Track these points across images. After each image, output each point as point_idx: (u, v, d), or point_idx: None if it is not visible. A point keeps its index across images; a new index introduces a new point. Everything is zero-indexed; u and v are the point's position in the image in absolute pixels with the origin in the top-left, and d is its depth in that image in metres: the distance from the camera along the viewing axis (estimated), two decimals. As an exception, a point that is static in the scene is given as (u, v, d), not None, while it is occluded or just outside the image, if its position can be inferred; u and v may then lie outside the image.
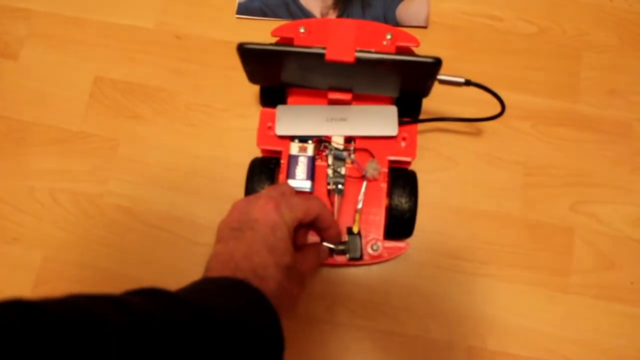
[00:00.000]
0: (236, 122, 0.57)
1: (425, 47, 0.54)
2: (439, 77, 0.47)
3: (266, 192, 0.43)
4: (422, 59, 0.44)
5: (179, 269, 0.54)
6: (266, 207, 0.40)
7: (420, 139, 0.55)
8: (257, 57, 0.45)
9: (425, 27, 0.58)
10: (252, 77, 0.49)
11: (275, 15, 0.59)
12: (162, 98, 0.58)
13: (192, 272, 0.53)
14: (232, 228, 0.40)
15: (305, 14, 0.59)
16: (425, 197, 0.52)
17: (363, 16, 0.58)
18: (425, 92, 0.48)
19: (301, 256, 0.44)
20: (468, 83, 0.47)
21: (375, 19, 0.58)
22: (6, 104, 0.59)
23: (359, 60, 0.44)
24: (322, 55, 0.44)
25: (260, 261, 0.38)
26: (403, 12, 0.58)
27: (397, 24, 0.58)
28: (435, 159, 0.56)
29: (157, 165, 0.56)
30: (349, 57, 0.43)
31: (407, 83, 0.48)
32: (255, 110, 0.56)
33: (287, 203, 0.42)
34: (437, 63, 0.43)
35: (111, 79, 0.59)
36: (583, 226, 0.54)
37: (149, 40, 0.60)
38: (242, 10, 0.59)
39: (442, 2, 0.59)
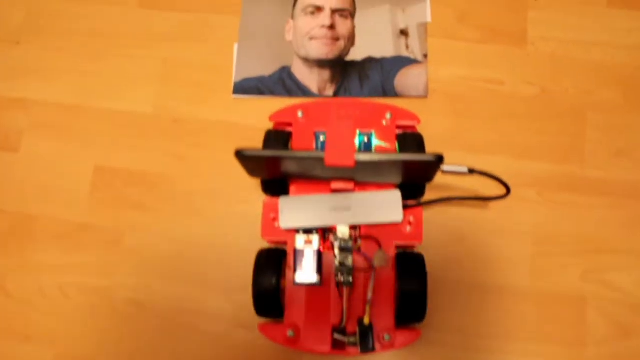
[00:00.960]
0: (240, 207, 0.57)
1: (426, 117, 0.54)
2: (443, 167, 0.46)
3: None
4: (423, 157, 0.43)
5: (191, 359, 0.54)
6: None
7: (426, 214, 0.54)
8: (256, 161, 0.45)
9: (425, 97, 0.58)
10: (253, 174, 0.49)
11: (271, 92, 0.58)
12: (164, 185, 0.58)
13: (204, 367, 0.53)
14: None
15: (302, 89, 0.58)
16: (433, 273, 0.51)
17: (361, 89, 0.57)
18: (429, 181, 0.48)
19: None
20: (472, 172, 0.47)
21: (374, 90, 0.57)
22: (9, 198, 0.59)
23: (359, 162, 0.43)
24: (321, 159, 0.43)
25: None
26: (401, 82, 0.58)
27: (396, 94, 0.57)
28: (442, 234, 0.55)
29: (163, 255, 0.56)
30: (348, 162, 0.43)
31: (410, 175, 0.47)
32: (257, 195, 0.56)
33: None
34: (438, 161, 0.43)
35: (112, 168, 0.58)
36: (595, 295, 0.54)
37: (147, 125, 0.59)
38: (239, 89, 0.59)
39: (441, 69, 0.58)
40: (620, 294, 0.53)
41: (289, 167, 0.46)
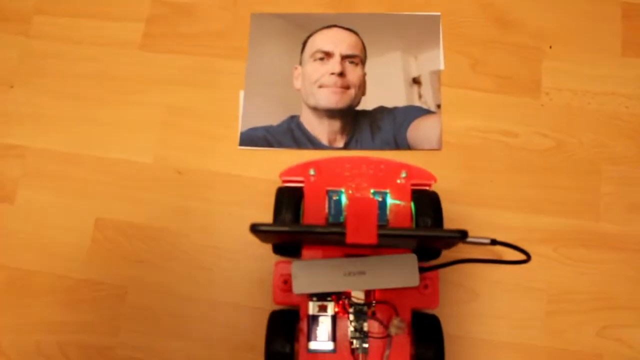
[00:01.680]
0: (248, 264, 0.55)
1: (440, 171, 0.52)
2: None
3: None
4: (447, 234, 0.42)
5: None
6: None
7: (441, 270, 0.53)
8: (271, 234, 0.43)
9: (438, 150, 0.56)
10: (265, 242, 0.47)
11: (279, 144, 0.56)
12: (168, 240, 0.56)
13: None
14: None
15: (312, 141, 0.56)
16: (447, 330, 0.50)
17: (372, 141, 0.56)
18: (448, 249, 0.46)
19: None
20: (494, 243, 0.45)
21: (385, 142, 0.56)
22: (4, 251, 0.57)
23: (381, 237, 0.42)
24: (342, 235, 0.42)
25: None
26: (414, 134, 0.56)
27: (408, 147, 0.56)
28: (456, 291, 0.54)
29: (168, 313, 0.54)
30: (371, 240, 0.41)
31: (429, 244, 0.46)
32: (265, 251, 0.54)
33: None
34: (462, 237, 0.41)
35: (113, 221, 0.56)
36: (612, 353, 0.53)
37: (149, 176, 0.57)
38: (245, 140, 0.57)
39: (454, 120, 0.57)
40: (636, 352, 0.53)
41: (306, 239, 0.45)
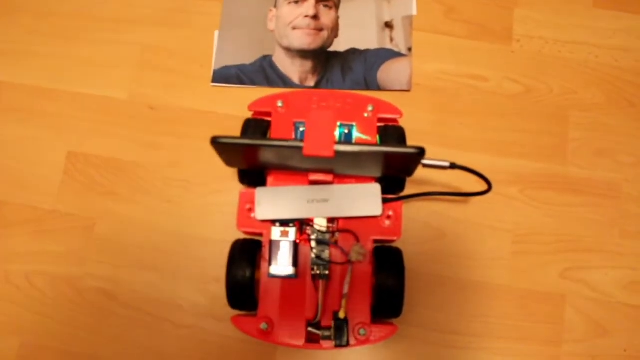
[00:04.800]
0: (215, 197, 0.55)
1: (409, 111, 0.53)
2: (423, 161, 0.45)
3: None
4: (405, 149, 0.42)
5: (161, 353, 0.52)
6: None
7: (406, 209, 0.53)
8: (232, 149, 0.44)
9: (408, 91, 0.57)
10: (229, 164, 0.47)
11: (252, 82, 0.57)
12: (138, 173, 0.56)
13: (175, 355, 0.52)
14: None
15: (283, 79, 0.57)
16: (412, 269, 0.50)
17: (343, 81, 0.56)
18: (409, 174, 0.47)
19: None
20: (453, 166, 0.46)
21: (356, 83, 0.56)
22: (-24, 182, 0.57)
23: (338, 153, 0.42)
24: (299, 149, 0.42)
25: None
26: (384, 75, 0.57)
27: (378, 87, 0.56)
28: (421, 230, 0.54)
29: (135, 245, 0.55)
30: (327, 152, 0.42)
31: (390, 168, 0.46)
32: (233, 185, 0.54)
33: None
34: (420, 153, 0.42)
35: (85, 155, 0.57)
36: (574, 293, 0.53)
37: (122, 111, 0.58)
38: (218, 78, 0.57)
39: (425, 63, 0.58)
40: (598, 293, 0.53)
41: (267, 156, 0.45)
